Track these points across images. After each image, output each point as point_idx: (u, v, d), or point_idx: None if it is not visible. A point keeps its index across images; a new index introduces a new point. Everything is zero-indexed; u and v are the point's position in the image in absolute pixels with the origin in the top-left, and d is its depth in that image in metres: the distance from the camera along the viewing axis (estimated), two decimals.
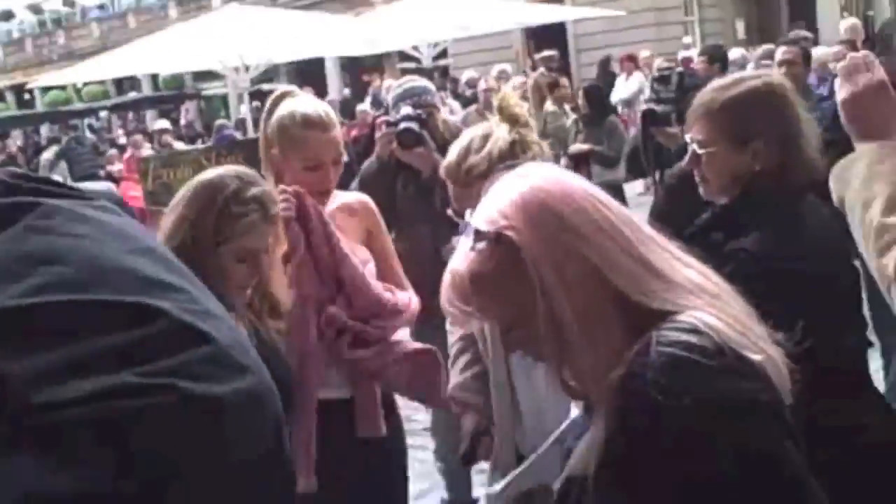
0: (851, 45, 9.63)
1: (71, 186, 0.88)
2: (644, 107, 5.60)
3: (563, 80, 10.91)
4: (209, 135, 22.58)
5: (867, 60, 1.99)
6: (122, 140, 22.79)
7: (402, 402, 3.33)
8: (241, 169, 2.63)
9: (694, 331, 1.39)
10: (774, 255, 2.19)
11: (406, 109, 4.35)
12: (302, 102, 3.13)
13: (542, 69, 12.98)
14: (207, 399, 0.74)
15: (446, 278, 1.55)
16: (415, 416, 4.77)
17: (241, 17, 17.18)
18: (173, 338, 0.75)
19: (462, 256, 1.53)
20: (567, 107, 9.89)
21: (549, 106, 9.72)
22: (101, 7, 42.89)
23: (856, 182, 1.92)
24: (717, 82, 2.57)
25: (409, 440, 3.42)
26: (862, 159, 1.94)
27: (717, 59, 8.47)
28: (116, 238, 0.81)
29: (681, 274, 1.51)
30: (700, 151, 2.48)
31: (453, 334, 2.93)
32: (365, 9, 24.85)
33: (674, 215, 2.93)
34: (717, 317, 1.43)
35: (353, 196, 3.36)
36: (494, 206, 1.53)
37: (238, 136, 15.29)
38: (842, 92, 1.99)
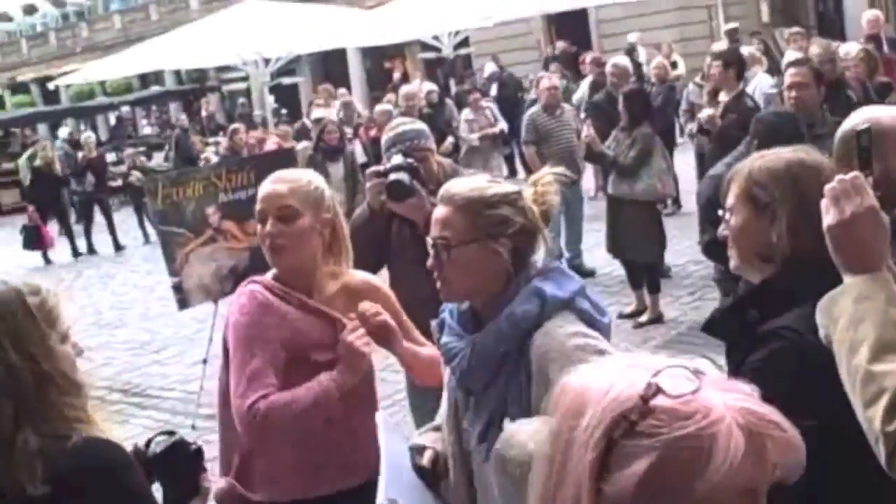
0: (875, 41, 9.39)
1: None
2: None
3: None
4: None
5: (856, 183, 1.84)
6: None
7: None
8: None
9: None
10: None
11: (397, 158, 4.13)
12: None
13: None
14: None
15: None
16: None
17: (260, 11, 17.11)
18: None
19: None
20: None
21: None
22: None
23: (842, 321, 1.80)
24: (758, 153, 2.45)
25: None
26: (848, 294, 1.81)
27: (733, 64, 7.92)
28: None
29: None
30: (727, 217, 2.37)
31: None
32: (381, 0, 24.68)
33: None
34: None
35: (360, 277, 3.20)
36: None
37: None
38: (827, 217, 1.86)
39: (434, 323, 2.57)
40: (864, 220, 1.83)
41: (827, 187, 1.88)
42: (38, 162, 18.13)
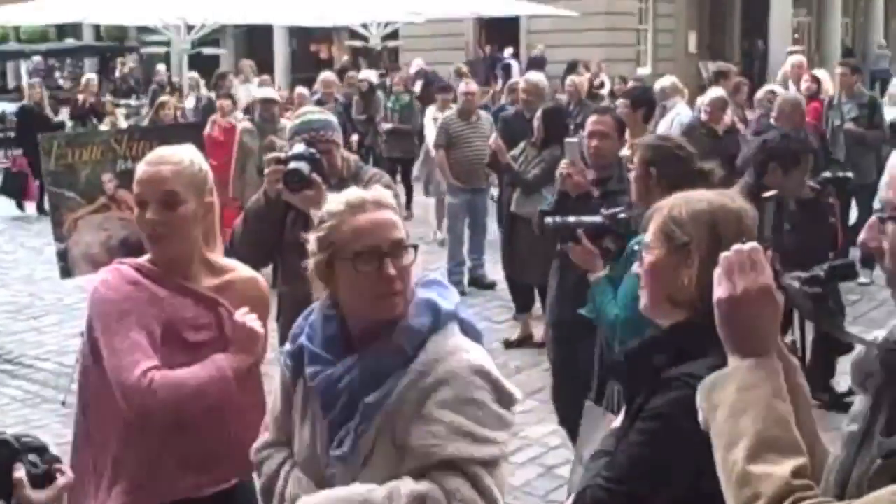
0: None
1: None
2: None
3: None
4: (145, 91, 22.00)
5: (753, 257, 1.69)
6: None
7: None
8: None
9: None
10: None
11: (298, 147, 3.94)
12: None
13: None
14: None
15: None
16: None
17: None
18: None
19: None
20: None
21: None
22: None
23: (723, 410, 1.65)
24: (683, 194, 2.35)
25: None
26: (731, 380, 1.66)
27: (642, 105, 7.67)
28: None
29: None
30: (644, 254, 2.26)
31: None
32: None
33: None
34: None
35: (246, 275, 3.00)
36: None
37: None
38: (718, 290, 1.70)
39: (284, 350, 2.42)
40: (755, 299, 1.67)
41: (722, 256, 1.73)
42: (25, 101, 16.10)
